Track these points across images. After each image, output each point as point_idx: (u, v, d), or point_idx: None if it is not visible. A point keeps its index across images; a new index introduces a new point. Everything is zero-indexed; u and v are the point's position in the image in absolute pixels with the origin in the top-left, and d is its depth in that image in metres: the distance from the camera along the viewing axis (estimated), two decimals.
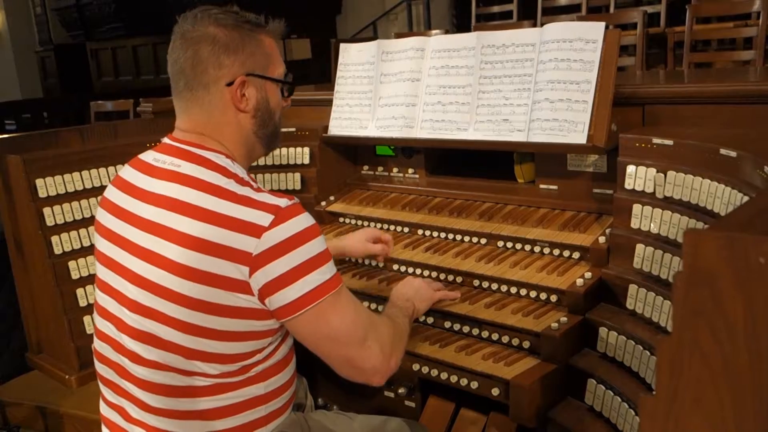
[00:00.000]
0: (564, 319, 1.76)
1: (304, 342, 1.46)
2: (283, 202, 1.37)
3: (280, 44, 1.62)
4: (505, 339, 1.82)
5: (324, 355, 1.46)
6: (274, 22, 1.57)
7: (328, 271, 1.39)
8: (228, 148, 1.50)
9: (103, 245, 1.54)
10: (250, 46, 1.49)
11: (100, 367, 1.57)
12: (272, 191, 1.41)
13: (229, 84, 1.47)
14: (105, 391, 1.58)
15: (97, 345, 1.57)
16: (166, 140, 1.53)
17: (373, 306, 2.03)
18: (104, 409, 1.59)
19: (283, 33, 1.59)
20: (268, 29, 1.55)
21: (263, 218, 1.34)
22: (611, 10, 5.49)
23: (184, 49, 1.47)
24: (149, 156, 1.53)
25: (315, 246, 1.37)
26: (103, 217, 1.56)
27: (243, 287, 1.34)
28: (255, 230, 1.33)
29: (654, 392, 0.95)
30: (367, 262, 2.26)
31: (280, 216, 1.34)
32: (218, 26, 1.47)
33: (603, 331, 1.73)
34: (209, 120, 1.49)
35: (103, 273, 1.53)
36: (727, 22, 4.77)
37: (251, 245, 1.32)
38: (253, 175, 1.54)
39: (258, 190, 1.40)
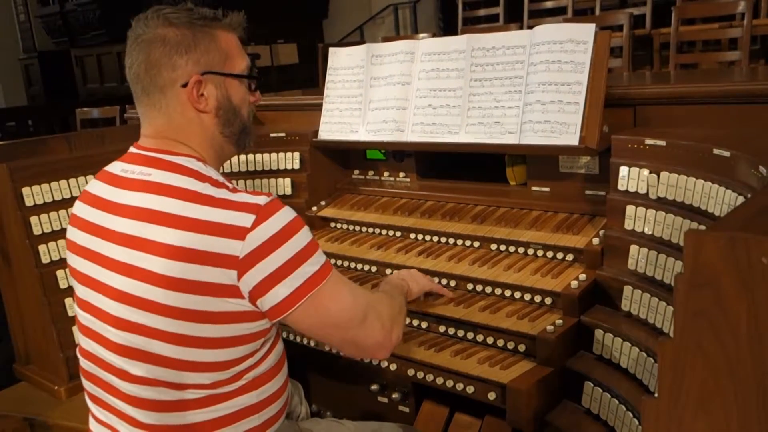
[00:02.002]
0: (559, 321, 1.75)
1: (305, 333, 1.44)
2: (261, 199, 1.34)
3: (244, 38, 1.54)
4: (501, 342, 1.81)
5: (327, 341, 1.47)
6: (232, 14, 1.50)
7: (317, 261, 1.37)
8: (197, 150, 1.46)
9: (78, 263, 1.49)
10: (204, 43, 1.44)
11: (87, 385, 1.54)
12: (249, 190, 1.37)
13: (184, 85, 1.43)
14: (94, 409, 1.54)
15: (83, 363, 1.53)
16: (132, 149, 1.49)
17: None
18: (94, 426, 1.55)
19: (243, 25, 1.52)
20: (225, 23, 1.49)
21: (245, 219, 1.31)
22: (597, 12, 5.53)
23: (136, 54, 1.43)
24: (116, 167, 1.48)
25: (301, 239, 1.35)
26: (75, 234, 1.51)
27: (232, 291, 1.32)
28: (238, 232, 1.30)
29: (656, 394, 0.94)
30: (360, 266, 2.24)
31: (262, 214, 1.31)
32: (169, 26, 1.42)
33: (599, 333, 1.72)
34: (170, 124, 1.45)
35: (82, 291, 1.49)
36: (712, 23, 4.81)
37: (236, 248, 1.29)
38: (229, 177, 1.50)
39: (234, 190, 1.37)
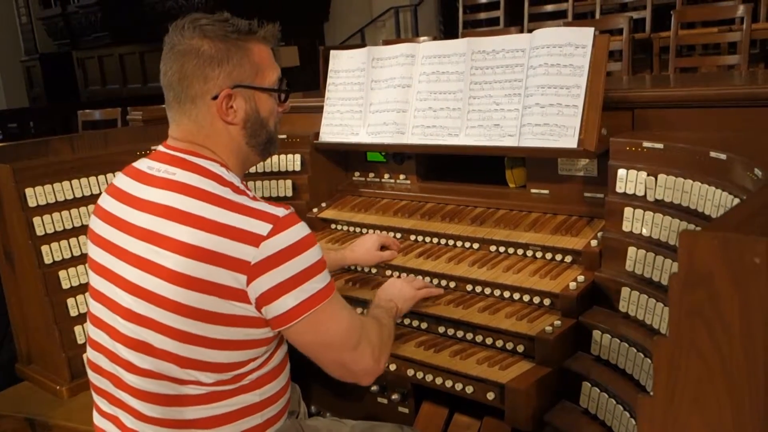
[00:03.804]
0: (558, 322, 1.76)
1: (300, 348, 1.47)
2: (280, 211, 1.37)
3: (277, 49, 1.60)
4: (499, 343, 1.83)
5: (318, 360, 1.49)
6: (267, 27, 1.53)
7: (323, 279, 1.40)
8: (221, 157, 1.50)
9: (96, 253, 1.53)
10: (237, 57, 1.47)
11: (93, 377, 1.56)
12: (268, 201, 1.41)
13: (215, 97, 1.46)
14: (99, 402, 1.56)
15: (91, 355, 1.55)
16: (160, 148, 1.53)
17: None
18: (98, 420, 1.57)
19: (276, 36, 1.56)
20: (259, 36, 1.52)
21: (262, 227, 1.34)
22: (597, 16, 5.54)
23: (171, 63, 1.47)
24: (143, 164, 1.52)
25: (312, 255, 1.38)
26: (96, 225, 1.55)
27: (240, 296, 1.34)
28: (253, 239, 1.33)
29: (651, 393, 0.95)
30: (360, 268, 2.26)
31: (279, 225, 1.34)
32: (204, 38, 1.45)
33: (596, 333, 1.74)
34: (200, 131, 1.49)
35: (96, 282, 1.52)
36: (711, 27, 4.83)
37: (249, 254, 1.32)
38: (247, 184, 1.53)
39: (254, 198, 1.40)
